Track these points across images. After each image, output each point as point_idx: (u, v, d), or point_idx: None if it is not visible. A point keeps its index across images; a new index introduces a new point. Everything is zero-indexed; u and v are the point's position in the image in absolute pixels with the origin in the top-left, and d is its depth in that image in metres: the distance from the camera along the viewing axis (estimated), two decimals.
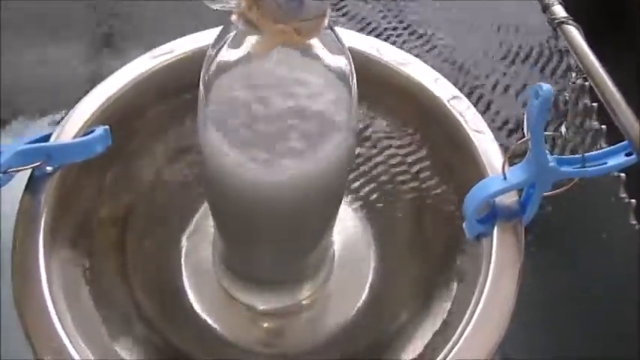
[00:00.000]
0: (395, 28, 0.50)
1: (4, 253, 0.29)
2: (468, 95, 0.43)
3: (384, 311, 0.33)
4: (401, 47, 0.43)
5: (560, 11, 0.28)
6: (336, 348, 0.32)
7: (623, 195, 0.39)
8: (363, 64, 0.33)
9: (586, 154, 0.27)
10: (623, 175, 0.40)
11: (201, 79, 0.25)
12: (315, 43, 0.23)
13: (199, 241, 0.35)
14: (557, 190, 0.28)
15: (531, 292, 0.28)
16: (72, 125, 0.31)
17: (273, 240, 0.30)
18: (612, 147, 0.28)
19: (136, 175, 0.35)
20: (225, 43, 0.24)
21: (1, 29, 0.47)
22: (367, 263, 0.35)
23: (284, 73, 0.24)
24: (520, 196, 0.29)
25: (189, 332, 0.33)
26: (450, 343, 0.27)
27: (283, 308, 0.34)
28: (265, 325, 0.34)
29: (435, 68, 0.35)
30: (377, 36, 0.48)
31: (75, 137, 0.31)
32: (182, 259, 0.35)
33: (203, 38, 0.35)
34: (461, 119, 0.33)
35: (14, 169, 0.27)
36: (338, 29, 0.25)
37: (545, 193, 0.28)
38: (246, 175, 0.25)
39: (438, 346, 0.28)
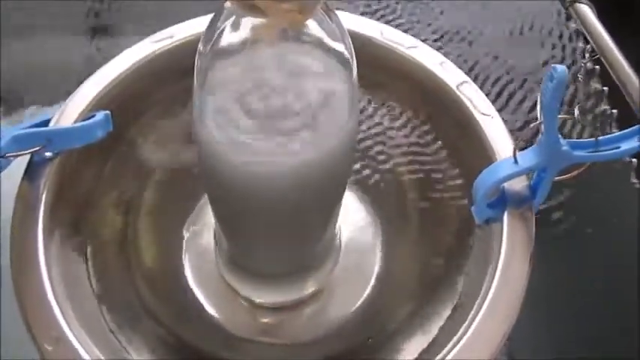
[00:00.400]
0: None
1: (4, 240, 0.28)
2: (475, 78, 0.42)
3: (390, 301, 0.32)
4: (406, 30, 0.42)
5: None
6: (340, 339, 0.32)
7: (635, 181, 0.39)
8: (366, 47, 0.33)
9: (599, 138, 0.27)
10: (634, 160, 0.39)
11: (195, 68, 0.24)
12: (314, 27, 0.23)
13: (201, 230, 0.35)
14: (569, 175, 0.28)
15: (536, 283, 0.27)
16: (72, 110, 0.31)
17: (274, 232, 0.29)
18: (626, 131, 0.27)
19: (137, 162, 0.34)
20: (219, 30, 0.23)
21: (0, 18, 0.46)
22: (373, 252, 0.34)
23: (282, 60, 0.23)
24: (530, 181, 0.29)
25: (192, 323, 0.32)
26: (458, 334, 0.26)
27: (286, 301, 0.33)
28: (267, 318, 0.33)
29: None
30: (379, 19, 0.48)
31: (75, 122, 0.30)
32: (184, 247, 0.34)
33: (204, 23, 0.34)
34: (468, 103, 0.32)
35: (13, 153, 0.27)
36: (339, 13, 0.24)
37: (556, 178, 0.27)
38: (245, 167, 0.24)
39: (447, 336, 0.27)
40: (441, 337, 0.29)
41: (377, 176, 0.36)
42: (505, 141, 0.31)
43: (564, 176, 0.28)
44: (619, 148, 0.27)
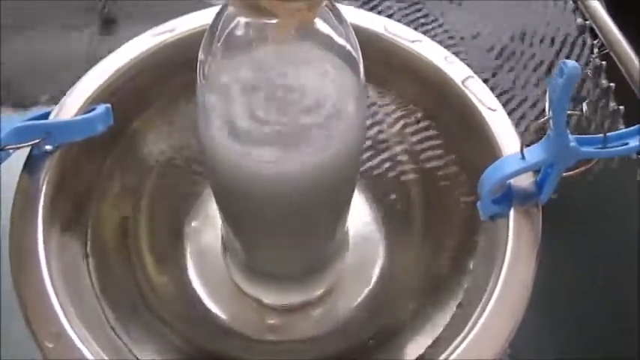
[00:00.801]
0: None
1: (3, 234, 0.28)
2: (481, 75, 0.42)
3: (394, 299, 0.32)
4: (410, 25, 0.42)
5: None
6: (344, 337, 0.31)
7: None
8: (370, 42, 0.33)
9: (607, 134, 0.26)
10: None
11: (198, 68, 0.23)
12: (320, 24, 0.22)
13: (203, 224, 0.34)
14: (576, 171, 0.27)
15: (538, 283, 0.27)
16: (72, 103, 0.31)
17: (280, 233, 0.29)
18: (633, 127, 0.27)
19: (138, 156, 0.34)
20: (223, 29, 0.22)
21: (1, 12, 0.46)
22: (377, 250, 0.34)
23: (289, 60, 0.23)
24: (536, 177, 0.28)
25: (194, 318, 0.32)
26: (463, 333, 0.26)
27: (294, 303, 0.33)
28: (273, 318, 0.33)
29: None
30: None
31: (75, 116, 0.30)
32: (185, 242, 0.34)
33: (206, 17, 0.34)
34: (473, 97, 0.32)
35: (13, 145, 0.27)
36: (343, 8, 0.24)
37: (563, 174, 0.27)
38: (252, 169, 0.24)
39: (452, 334, 0.27)
40: (445, 336, 0.29)
41: (380, 172, 0.35)
42: (511, 136, 0.30)
43: (570, 172, 0.27)
44: (627, 144, 0.27)
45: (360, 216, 0.35)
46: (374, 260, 0.33)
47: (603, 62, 0.41)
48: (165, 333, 0.30)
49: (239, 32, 0.22)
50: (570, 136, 0.26)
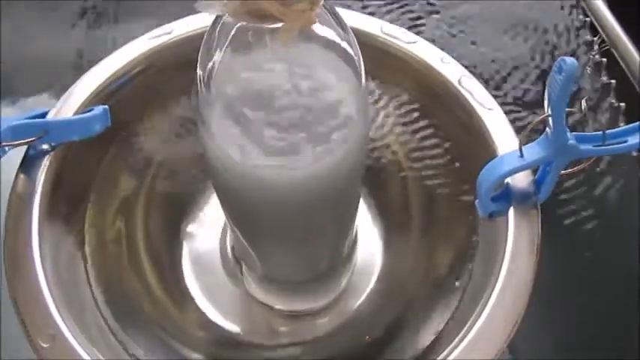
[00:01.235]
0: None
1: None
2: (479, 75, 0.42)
3: (394, 299, 0.32)
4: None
5: None
6: (345, 338, 0.32)
7: None
8: (366, 43, 0.33)
9: (606, 132, 0.26)
10: None
11: (198, 72, 0.23)
12: (320, 29, 0.22)
13: (200, 225, 0.34)
14: (575, 169, 0.27)
15: (538, 281, 0.27)
16: (69, 104, 0.31)
17: (297, 240, 0.29)
18: (632, 125, 0.27)
19: (135, 158, 0.34)
20: (222, 34, 0.22)
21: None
22: (377, 249, 0.34)
23: (289, 65, 0.22)
24: (535, 175, 0.28)
25: (192, 316, 0.32)
26: (463, 331, 0.26)
27: (303, 309, 0.33)
28: (278, 322, 0.33)
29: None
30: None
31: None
32: (183, 243, 0.34)
33: (203, 19, 0.34)
34: (469, 96, 0.32)
35: (9, 143, 0.27)
36: (341, 11, 0.23)
37: (561, 172, 0.27)
38: (256, 175, 0.23)
39: (451, 334, 0.27)
40: (445, 336, 0.28)
41: (379, 172, 0.35)
42: (507, 134, 0.30)
43: (569, 170, 0.27)
44: (626, 142, 0.27)
45: (359, 216, 0.34)
46: (373, 260, 0.33)
47: (603, 59, 0.41)
48: (161, 333, 0.30)
49: (238, 40, 0.22)
50: (569, 134, 0.26)
